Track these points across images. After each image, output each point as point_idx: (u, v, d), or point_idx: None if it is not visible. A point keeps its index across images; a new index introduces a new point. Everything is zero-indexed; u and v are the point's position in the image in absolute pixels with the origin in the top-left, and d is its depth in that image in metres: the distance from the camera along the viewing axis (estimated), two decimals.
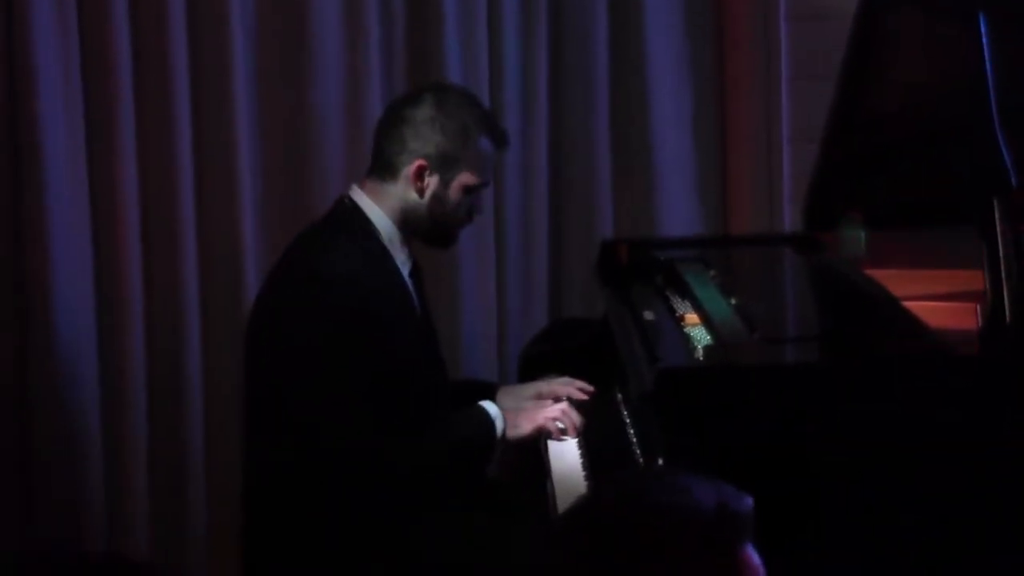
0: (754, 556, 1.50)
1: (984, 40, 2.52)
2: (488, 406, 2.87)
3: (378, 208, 2.87)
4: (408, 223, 2.88)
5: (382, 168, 2.88)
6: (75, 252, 3.36)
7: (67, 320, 3.35)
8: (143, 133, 3.41)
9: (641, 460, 2.64)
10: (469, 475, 2.87)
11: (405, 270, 2.90)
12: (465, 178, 2.87)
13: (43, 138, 3.29)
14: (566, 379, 3.09)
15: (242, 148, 3.46)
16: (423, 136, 2.84)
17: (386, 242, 2.87)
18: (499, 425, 2.84)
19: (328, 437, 2.70)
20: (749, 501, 1.52)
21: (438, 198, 2.86)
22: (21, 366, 3.37)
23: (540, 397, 3.05)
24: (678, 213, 3.74)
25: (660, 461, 2.36)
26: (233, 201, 3.46)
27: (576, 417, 2.90)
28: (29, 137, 3.29)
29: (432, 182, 2.85)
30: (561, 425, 2.88)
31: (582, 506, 1.58)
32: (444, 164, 2.85)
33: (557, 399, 3.03)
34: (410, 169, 2.84)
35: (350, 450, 2.70)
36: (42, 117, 3.28)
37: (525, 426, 2.87)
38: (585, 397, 3.03)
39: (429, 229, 2.90)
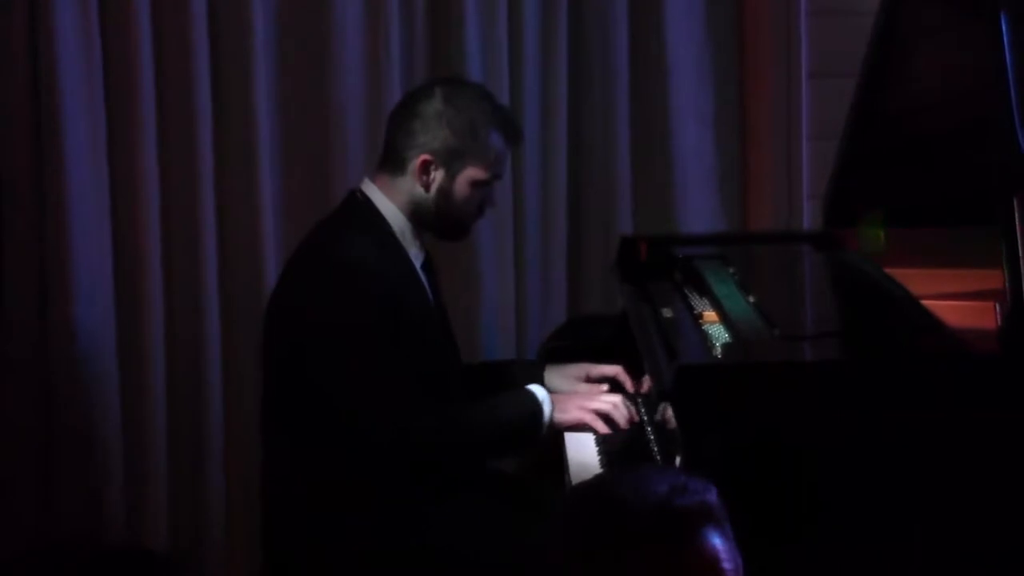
0: (712, 546, 1.51)
1: (1005, 38, 2.51)
2: (536, 389, 2.88)
3: (389, 202, 2.88)
4: (417, 217, 2.89)
5: (392, 162, 2.89)
6: (96, 246, 3.37)
7: (88, 314, 3.36)
8: (164, 129, 3.42)
9: (658, 456, 2.64)
10: (514, 456, 2.88)
11: (418, 263, 2.91)
12: (472, 172, 2.87)
13: (64, 135, 3.30)
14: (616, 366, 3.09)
15: (262, 143, 3.46)
16: (430, 130, 2.85)
17: (398, 235, 2.88)
18: (547, 409, 2.85)
19: (366, 419, 2.71)
20: (710, 494, 1.54)
21: (444, 192, 2.87)
22: (42, 360, 3.39)
23: (589, 379, 3.06)
24: (697, 210, 3.74)
25: (678, 458, 2.36)
26: (253, 196, 3.47)
27: (628, 411, 2.90)
28: (51, 134, 3.31)
29: (438, 176, 2.86)
30: (610, 420, 2.88)
31: (564, 500, 1.65)
32: (449, 158, 2.85)
33: (605, 379, 3.04)
34: (416, 163, 2.85)
35: (388, 429, 2.71)
36: (64, 113, 3.30)
37: (573, 412, 2.88)
38: (631, 387, 3.04)
39: (438, 223, 2.91)
